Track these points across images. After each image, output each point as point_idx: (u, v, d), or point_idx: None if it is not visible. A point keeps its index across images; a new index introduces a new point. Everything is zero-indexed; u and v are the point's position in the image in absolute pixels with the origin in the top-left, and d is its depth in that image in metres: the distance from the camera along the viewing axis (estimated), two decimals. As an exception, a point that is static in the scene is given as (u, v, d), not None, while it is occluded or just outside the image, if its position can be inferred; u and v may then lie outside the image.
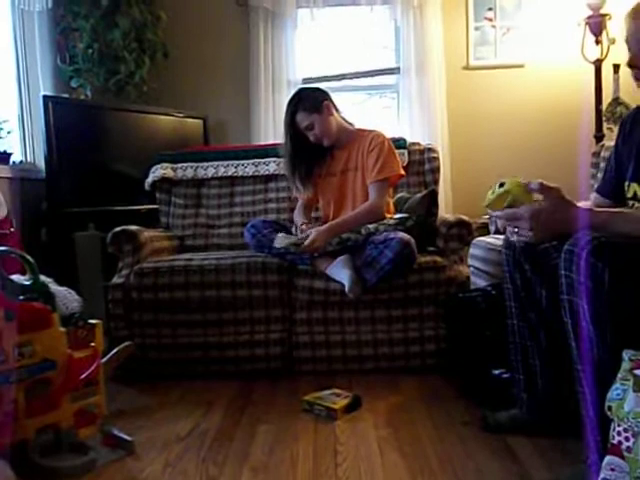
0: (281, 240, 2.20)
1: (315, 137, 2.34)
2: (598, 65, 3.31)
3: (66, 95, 3.13)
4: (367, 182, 2.33)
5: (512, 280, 1.55)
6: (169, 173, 2.87)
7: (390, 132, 2.50)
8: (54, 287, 1.74)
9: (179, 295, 2.22)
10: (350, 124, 2.46)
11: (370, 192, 2.31)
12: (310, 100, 2.33)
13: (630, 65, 1.36)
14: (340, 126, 2.40)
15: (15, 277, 1.55)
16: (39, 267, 1.56)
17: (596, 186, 1.61)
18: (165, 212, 2.89)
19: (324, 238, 2.18)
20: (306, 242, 2.15)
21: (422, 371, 2.19)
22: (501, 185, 1.31)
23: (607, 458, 0.97)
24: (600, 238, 1.12)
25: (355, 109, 3.80)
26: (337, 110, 2.41)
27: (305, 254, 2.20)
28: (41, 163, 2.96)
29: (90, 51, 3.12)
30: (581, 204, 1.39)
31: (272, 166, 2.87)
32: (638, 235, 1.14)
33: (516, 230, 1.29)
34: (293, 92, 2.46)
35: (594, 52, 3.32)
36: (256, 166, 2.89)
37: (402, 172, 2.38)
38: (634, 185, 1.36)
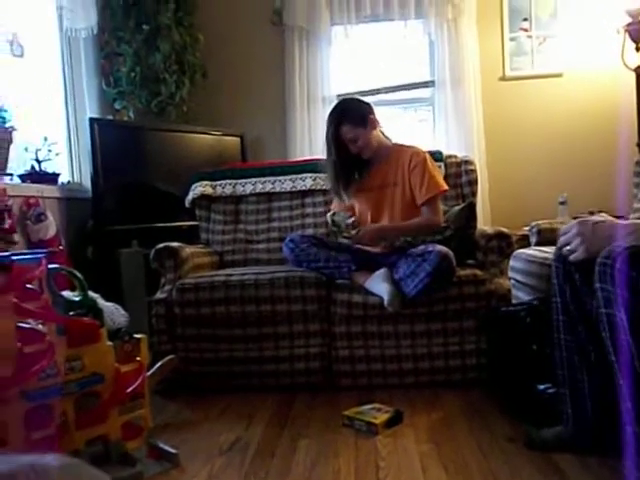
0: (339, 217, 2.32)
1: (357, 149, 2.37)
2: (639, 72, 3.24)
3: (110, 117, 3.25)
4: (417, 203, 2.35)
5: (561, 293, 1.50)
6: (208, 190, 2.94)
7: (426, 145, 2.51)
8: (102, 302, 1.80)
9: (220, 310, 2.25)
10: (388, 139, 2.48)
11: (423, 212, 2.35)
12: (357, 112, 2.36)
13: None
14: (379, 141, 2.42)
15: (65, 293, 1.61)
16: (87, 283, 1.62)
17: None
18: (205, 228, 2.95)
19: (373, 237, 2.28)
20: (354, 232, 2.27)
21: (463, 385, 2.16)
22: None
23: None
24: (632, 248, 1.10)
25: (390, 123, 3.80)
26: (379, 124, 2.44)
27: (344, 263, 2.25)
28: (87, 183, 3.07)
29: (133, 74, 3.24)
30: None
31: (309, 181, 2.90)
32: None
33: (568, 248, 1.29)
34: (336, 102, 2.50)
35: (635, 59, 3.25)
36: (293, 182, 2.93)
37: (446, 187, 2.39)
38: None
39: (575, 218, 1.37)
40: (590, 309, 1.44)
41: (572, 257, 1.29)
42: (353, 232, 2.27)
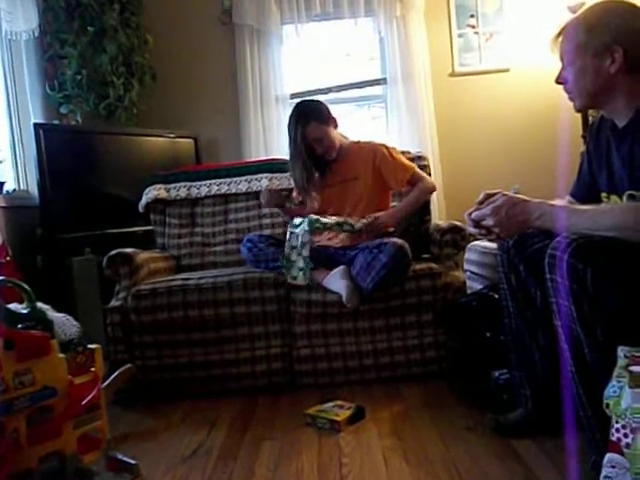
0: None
1: (323, 149, 2.39)
2: (581, 65, 3.35)
3: (56, 122, 3.15)
4: (398, 189, 2.46)
5: (507, 280, 1.57)
6: (162, 194, 2.89)
7: (380, 141, 2.53)
8: (52, 314, 1.73)
9: (178, 315, 2.22)
10: (346, 138, 2.52)
11: (414, 183, 2.42)
12: (320, 111, 2.39)
13: (559, 82, 1.43)
14: (340, 139, 2.46)
15: (13, 306, 1.55)
16: (36, 294, 1.56)
17: (570, 190, 1.63)
18: (160, 233, 2.90)
19: (394, 221, 2.33)
20: (371, 220, 2.27)
21: (424, 378, 2.19)
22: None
23: (607, 456, 0.98)
24: (579, 240, 1.14)
25: (344, 121, 3.82)
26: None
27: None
28: (34, 190, 2.97)
29: (79, 77, 3.14)
30: (557, 201, 1.44)
31: (264, 182, 2.88)
32: (589, 232, 1.17)
33: (483, 232, 1.38)
34: (296, 104, 2.48)
35: (576, 53, 3.35)
36: (249, 182, 2.91)
37: (414, 165, 2.47)
38: (614, 197, 1.37)
39: (491, 196, 1.39)
40: (534, 297, 1.49)
41: (487, 237, 1.37)
42: (360, 224, 2.27)
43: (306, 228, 2.19)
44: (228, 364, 2.23)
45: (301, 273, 2.16)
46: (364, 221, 2.27)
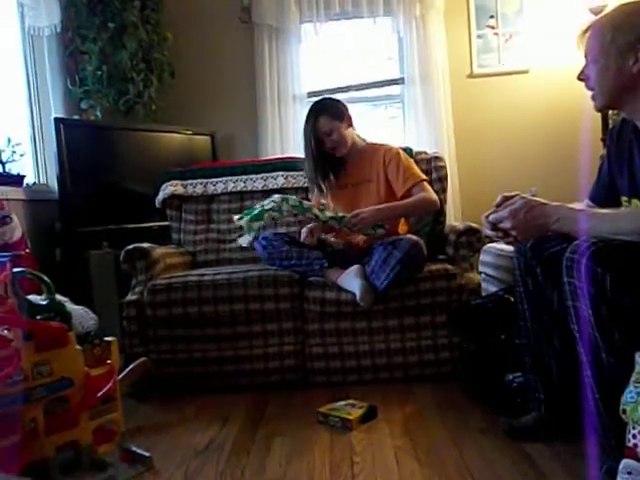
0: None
1: (332, 144, 2.39)
2: (602, 68, 3.31)
3: (77, 117, 3.19)
4: (398, 195, 2.36)
5: (524, 283, 1.55)
6: (179, 190, 2.91)
7: (397, 142, 2.53)
8: (70, 306, 1.76)
9: (193, 310, 2.24)
10: (362, 139, 2.51)
11: (415, 192, 2.35)
12: (334, 108, 2.41)
13: (581, 78, 1.45)
14: (354, 139, 2.46)
15: (32, 297, 1.57)
16: (55, 287, 1.59)
17: (589, 194, 1.61)
18: (176, 228, 2.92)
19: (373, 217, 2.23)
20: (352, 216, 2.22)
21: (437, 379, 2.19)
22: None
23: (623, 462, 0.97)
24: (598, 243, 1.13)
25: (361, 120, 3.82)
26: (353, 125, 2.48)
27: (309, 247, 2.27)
28: (54, 184, 3.01)
29: (99, 73, 3.18)
30: (575, 205, 1.43)
31: (280, 180, 2.89)
32: (608, 234, 1.17)
33: (500, 235, 1.39)
34: (315, 101, 2.51)
35: (598, 55, 3.32)
36: (265, 180, 2.92)
37: (424, 176, 2.42)
38: (635, 201, 1.35)
39: (509, 198, 1.40)
40: (551, 300, 1.48)
41: (504, 240, 1.37)
42: (339, 215, 2.23)
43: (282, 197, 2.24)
44: (241, 360, 2.25)
45: (246, 217, 2.19)
46: (339, 215, 2.25)
